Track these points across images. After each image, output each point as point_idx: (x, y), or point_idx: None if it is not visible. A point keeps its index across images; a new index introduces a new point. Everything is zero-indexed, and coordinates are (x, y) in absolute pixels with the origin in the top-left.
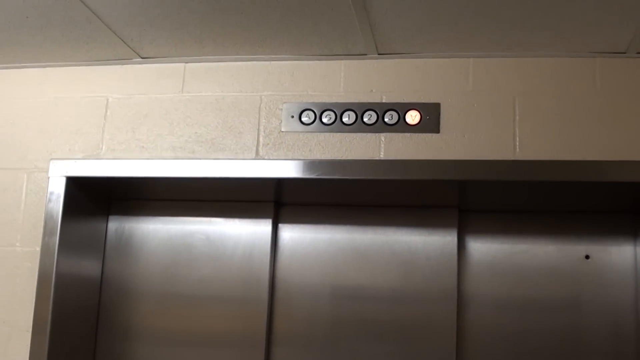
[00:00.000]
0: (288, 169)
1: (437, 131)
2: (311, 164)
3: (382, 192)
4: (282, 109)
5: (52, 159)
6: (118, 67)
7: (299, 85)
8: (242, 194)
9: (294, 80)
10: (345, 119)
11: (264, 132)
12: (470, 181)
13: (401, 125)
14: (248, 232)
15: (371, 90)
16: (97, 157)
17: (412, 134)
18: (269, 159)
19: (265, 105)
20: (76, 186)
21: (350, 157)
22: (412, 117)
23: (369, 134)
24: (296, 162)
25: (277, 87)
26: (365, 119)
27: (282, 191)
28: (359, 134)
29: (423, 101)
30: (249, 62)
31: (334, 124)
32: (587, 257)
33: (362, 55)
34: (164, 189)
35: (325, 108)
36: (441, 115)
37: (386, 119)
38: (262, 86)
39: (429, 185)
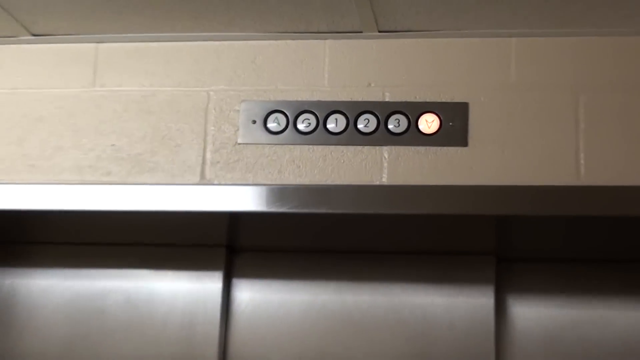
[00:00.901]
0: (247, 198)
1: (465, 143)
2: (281, 192)
3: (385, 233)
4: (239, 111)
5: None
6: None
7: (263, 75)
8: (180, 235)
9: (256, 69)
10: (331, 126)
11: (213, 144)
12: (512, 217)
13: (412, 135)
14: (188, 292)
15: (369, 84)
16: None
17: (428, 147)
18: (220, 184)
19: (214, 106)
20: None
21: (338, 182)
22: (428, 123)
23: (366, 148)
24: (259, 188)
25: (231, 79)
26: (360, 126)
27: (239, 231)
28: (351, 148)
29: (444, 100)
30: (191, 43)
31: (315, 133)
32: None
33: (355, 33)
34: (65, 227)
35: (303, 109)
36: (470, 121)
37: (390, 126)
38: (209, 77)
39: (452, 224)
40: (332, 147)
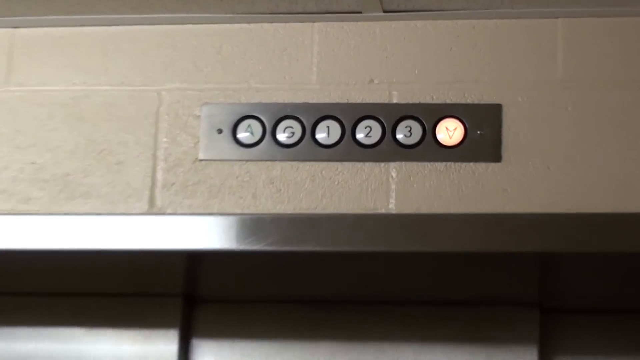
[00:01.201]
0: (211, 233)
1: (497, 158)
2: (256, 224)
3: (393, 278)
4: (200, 117)
5: None
6: None
7: (232, 70)
8: (124, 281)
9: (223, 61)
10: (321, 136)
11: (166, 161)
12: (561, 255)
13: (428, 148)
14: (135, 356)
15: (371, 81)
16: None
17: (449, 163)
18: (175, 214)
19: (168, 110)
20: None
21: (330, 210)
22: (449, 131)
23: (367, 165)
24: (227, 219)
25: (190, 75)
26: (359, 136)
27: (200, 276)
28: (348, 165)
29: (470, 101)
30: (136, 27)
31: (300, 145)
32: None
33: (353, 13)
34: None
35: (284, 114)
36: (504, 128)
37: (399, 136)
38: (161, 73)
39: (482, 264)
40: (322, 164)
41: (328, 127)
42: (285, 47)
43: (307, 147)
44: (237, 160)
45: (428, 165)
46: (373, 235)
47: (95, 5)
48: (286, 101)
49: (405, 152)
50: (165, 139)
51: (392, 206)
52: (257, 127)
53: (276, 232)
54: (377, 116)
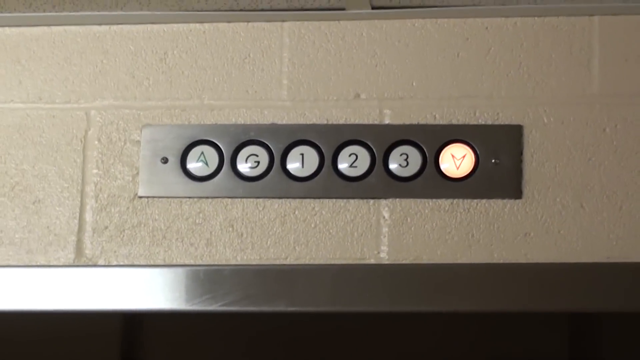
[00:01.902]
0: (154, 289)
1: (517, 194)
2: (211, 279)
3: (385, 345)
4: (139, 142)
5: None
6: None
7: (180, 82)
8: (47, 350)
9: (168, 72)
10: (293, 166)
11: (97, 198)
12: (602, 315)
13: (429, 181)
14: None
15: (357, 96)
16: None
17: (455, 201)
18: (109, 266)
19: (99, 133)
20: None
21: (306, 260)
22: (456, 160)
23: (353, 203)
24: (174, 272)
25: (127, 89)
26: (342, 165)
27: (141, 344)
28: (329, 203)
29: (482, 121)
30: (58, 28)
31: (268, 178)
32: None
33: (334, 10)
34: None
35: (246, 139)
36: (526, 156)
37: (393, 166)
38: (90, 86)
39: (497, 327)
40: (295, 202)
41: (302, 154)
42: (248, 53)
43: (276, 180)
44: (187, 197)
45: (429, 202)
46: (360, 291)
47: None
48: (249, 122)
49: (401, 186)
50: (95, 171)
51: (383, 255)
52: (212, 155)
53: (237, 288)
54: (365, 141)
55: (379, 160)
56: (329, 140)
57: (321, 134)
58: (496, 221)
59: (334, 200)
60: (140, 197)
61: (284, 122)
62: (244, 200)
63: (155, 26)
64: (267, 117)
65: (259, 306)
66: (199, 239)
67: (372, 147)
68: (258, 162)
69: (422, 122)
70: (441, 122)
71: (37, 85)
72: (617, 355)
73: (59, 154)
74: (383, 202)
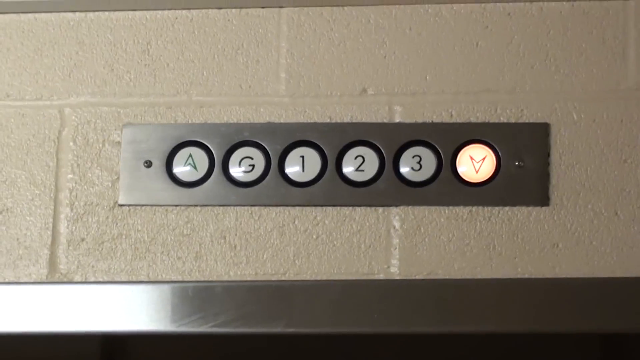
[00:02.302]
0: (137, 309)
1: (544, 201)
2: (201, 297)
3: None
4: (119, 143)
5: None
6: None
7: (165, 76)
8: None
9: (152, 64)
10: (292, 170)
11: (72, 207)
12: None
13: (445, 186)
14: None
15: (363, 91)
16: None
17: (474, 208)
18: (86, 283)
19: (74, 134)
20: None
21: (308, 276)
22: (475, 162)
23: (359, 211)
24: (159, 289)
25: (105, 84)
26: (347, 169)
27: None
28: (332, 211)
29: (504, 119)
30: (24, 16)
31: (264, 184)
32: None
33: None
34: None
35: (240, 140)
36: (554, 158)
37: (405, 169)
38: (64, 81)
39: (523, 349)
40: (295, 211)
41: (302, 157)
42: (241, 43)
43: (273, 186)
44: (173, 205)
45: (445, 210)
46: (368, 310)
47: None
48: (242, 121)
49: (413, 192)
50: (70, 176)
51: (394, 269)
52: (201, 158)
53: (231, 307)
54: (373, 141)
55: (388, 163)
56: (333, 141)
57: (323, 134)
58: (520, 231)
59: (339, 208)
60: (121, 206)
61: (282, 120)
62: (237, 208)
63: (137, 13)
64: (263, 115)
65: (255, 327)
66: (187, 252)
67: (380, 148)
68: (253, 166)
69: (437, 120)
70: (458, 121)
71: (5, 80)
72: None
73: (30, 157)
74: (393, 210)
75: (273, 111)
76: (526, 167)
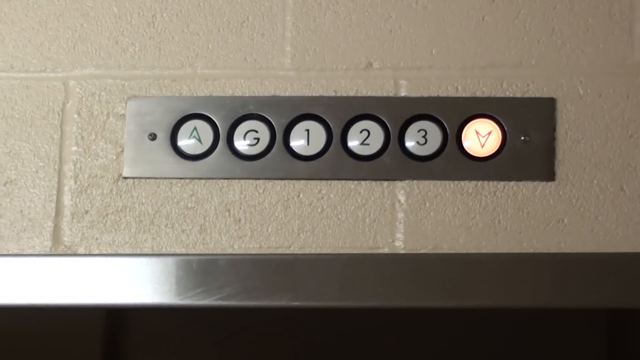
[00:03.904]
0: (141, 282)
1: (550, 176)
2: (205, 269)
3: (400, 342)
4: (124, 116)
5: None
6: None
7: (169, 48)
8: (18, 352)
9: (157, 36)
10: (298, 143)
11: (76, 179)
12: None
13: (451, 160)
14: None
15: (369, 64)
16: None
17: (480, 183)
18: (90, 255)
19: (78, 106)
20: None
21: (312, 249)
22: (481, 136)
23: (364, 185)
24: (164, 262)
25: (109, 56)
26: (352, 142)
27: (126, 342)
28: (337, 185)
29: (510, 94)
30: None
31: (269, 157)
32: None
33: None
34: None
35: (245, 113)
36: (559, 132)
37: (410, 143)
38: (68, 53)
39: (527, 325)
40: (300, 184)
41: (308, 130)
42: (246, 16)
43: (278, 159)
44: (177, 178)
45: (451, 184)
46: (373, 284)
47: None
48: (248, 94)
49: (418, 166)
50: (74, 148)
51: (399, 243)
52: (206, 131)
53: (235, 280)
54: (378, 115)
55: (393, 137)
56: (338, 115)
57: (329, 108)
58: (526, 206)
59: (344, 182)
60: (125, 178)
61: (287, 94)
62: (242, 181)
63: None
64: (268, 89)
65: (259, 300)
66: (191, 225)
67: (386, 122)
68: (258, 139)
69: (443, 94)
70: (464, 95)
71: (9, 52)
72: None
73: (34, 129)
74: (399, 184)
75: (278, 84)
76: (532, 141)
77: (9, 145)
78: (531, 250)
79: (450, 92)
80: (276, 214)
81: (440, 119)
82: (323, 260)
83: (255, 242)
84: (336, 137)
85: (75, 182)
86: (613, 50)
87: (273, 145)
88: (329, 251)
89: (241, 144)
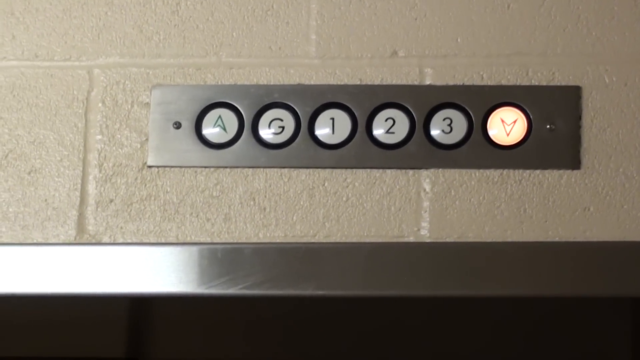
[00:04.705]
0: (166, 271)
1: (576, 164)
2: (230, 258)
3: (425, 333)
4: (148, 104)
5: None
6: None
7: (195, 37)
8: (44, 340)
9: (181, 25)
10: (323, 132)
11: (101, 168)
12: None
13: (476, 149)
14: None
15: (394, 53)
16: None
17: (506, 171)
18: (115, 244)
19: (102, 95)
20: None
21: (337, 238)
22: (506, 125)
23: (390, 173)
24: (188, 251)
25: (134, 45)
26: (377, 131)
27: (151, 332)
28: (362, 173)
29: (536, 82)
30: None
31: (294, 145)
32: None
33: None
34: None
35: (270, 101)
36: (585, 121)
37: (435, 132)
38: (92, 42)
39: (554, 315)
40: (325, 173)
41: (333, 119)
42: (271, 4)
43: (303, 148)
44: (202, 167)
45: (476, 173)
46: (398, 273)
47: None
48: (273, 82)
49: (444, 154)
50: (99, 137)
51: (424, 232)
52: (231, 120)
53: (260, 269)
54: (403, 103)
55: (419, 126)
56: (363, 103)
57: (354, 96)
58: (551, 194)
59: (369, 170)
60: (150, 167)
61: (312, 82)
62: (267, 170)
63: None
64: (293, 77)
65: (284, 289)
66: (216, 213)
67: (411, 110)
68: (283, 128)
69: (468, 82)
70: (489, 83)
71: (33, 41)
72: None
73: (58, 117)
74: (424, 172)
75: (303, 73)
76: (557, 130)
77: (34, 134)
78: (556, 239)
79: (476, 81)
80: (301, 203)
81: (465, 107)
82: (348, 249)
83: (281, 231)
84: (361, 126)
85: (100, 171)
86: (639, 39)
87: (298, 134)
88: (354, 240)
89: (266, 133)
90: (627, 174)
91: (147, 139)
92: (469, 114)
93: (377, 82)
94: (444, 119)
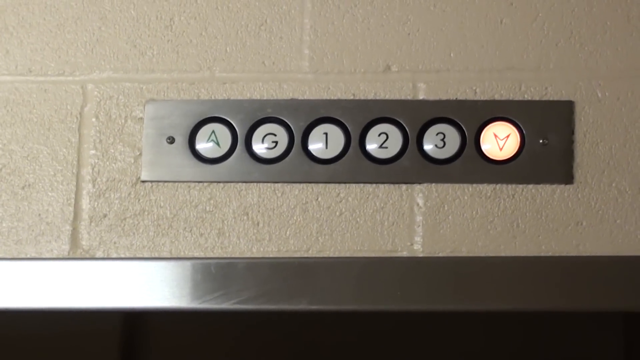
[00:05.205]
0: (159, 285)
1: (568, 179)
2: (224, 273)
3: (418, 346)
4: (142, 119)
5: None
6: None
7: (187, 52)
8: (32, 355)
9: (175, 39)
10: (316, 147)
11: (94, 183)
12: None
13: (469, 164)
14: None
15: (387, 68)
16: None
17: (498, 186)
18: (108, 259)
19: (96, 110)
20: None
21: (331, 253)
22: (499, 140)
23: (383, 188)
24: (181, 266)
25: (127, 59)
26: (371, 146)
27: (144, 346)
28: (356, 188)
29: (529, 97)
30: None
31: (287, 160)
32: None
33: None
34: None
35: (263, 116)
36: (578, 135)
37: (428, 146)
38: (85, 57)
39: (540, 326)
40: (319, 187)
41: (326, 133)
42: (264, 19)
43: (297, 163)
44: (196, 181)
45: (469, 187)
46: (391, 287)
47: None
48: (266, 97)
49: (437, 169)
50: (93, 152)
51: (417, 246)
52: (224, 135)
53: (253, 284)
54: (396, 118)
55: (412, 141)
56: (356, 118)
57: (347, 111)
58: (544, 209)
59: (362, 185)
60: (144, 182)
61: (305, 97)
62: (260, 185)
63: None
64: (286, 92)
65: (278, 304)
66: (209, 228)
67: (404, 125)
68: (276, 143)
69: (461, 97)
70: (482, 98)
71: (27, 56)
72: None
73: (52, 132)
74: (417, 187)
75: (296, 88)
76: (550, 145)
77: (27, 148)
78: (550, 254)
79: (469, 95)
80: (294, 218)
81: (458, 122)
82: (341, 264)
83: (274, 246)
84: (354, 141)
85: (94, 186)
86: (631, 53)
87: (291, 149)
88: (347, 254)
89: (259, 148)
90: (620, 188)
91: (140, 154)
92: (462, 128)
93: (370, 96)
94: (437, 134)
